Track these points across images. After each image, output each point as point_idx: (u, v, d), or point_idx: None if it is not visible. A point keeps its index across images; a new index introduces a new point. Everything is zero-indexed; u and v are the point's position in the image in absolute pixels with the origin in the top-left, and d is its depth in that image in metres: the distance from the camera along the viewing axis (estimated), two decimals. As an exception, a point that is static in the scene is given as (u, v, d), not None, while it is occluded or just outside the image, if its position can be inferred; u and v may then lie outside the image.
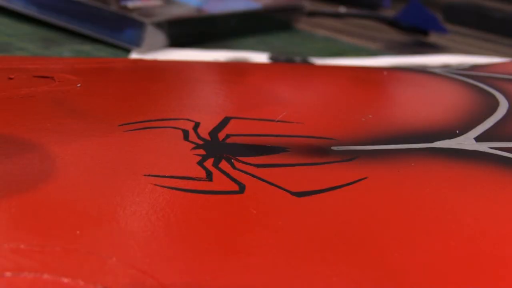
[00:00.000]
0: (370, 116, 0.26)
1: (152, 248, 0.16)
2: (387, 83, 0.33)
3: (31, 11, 0.39)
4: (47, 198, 0.18)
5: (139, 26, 0.37)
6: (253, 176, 0.20)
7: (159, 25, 0.38)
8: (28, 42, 0.37)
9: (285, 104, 0.27)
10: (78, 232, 0.16)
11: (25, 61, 0.29)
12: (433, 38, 0.50)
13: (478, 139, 0.24)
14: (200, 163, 0.21)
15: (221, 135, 0.23)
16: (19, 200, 0.17)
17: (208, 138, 0.22)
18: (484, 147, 0.24)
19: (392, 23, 0.50)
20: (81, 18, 0.38)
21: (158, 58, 0.36)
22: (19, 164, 0.19)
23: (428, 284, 0.16)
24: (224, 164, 0.21)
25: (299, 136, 0.23)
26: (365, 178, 0.21)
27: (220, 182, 0.20)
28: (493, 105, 0.28)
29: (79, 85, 0.26)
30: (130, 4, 0.39)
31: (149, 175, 0.19)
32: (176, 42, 0.39)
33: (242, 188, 0.19)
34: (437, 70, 0.34)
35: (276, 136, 0.23)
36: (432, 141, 0.24)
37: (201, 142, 0.22)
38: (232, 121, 0.24)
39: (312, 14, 0.51)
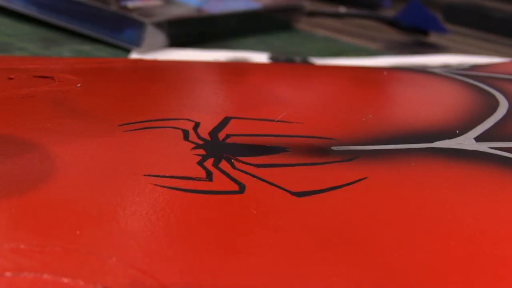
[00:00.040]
0: (370, 116, 0.26)
1: (152, 248, 0.16)
2: (387, 83, 0.33)
3: (31, 11, 0.39)
4: (47, 198, 0.18)
5: (139, 26, 0.37)
6: (253, 176, 0.20)
7: (159, 25, 0.38)
8: (28, 42, 0.37)
9: (285, 104, 0.27)
10: (78, 232, 0.16)
11: (25, 61, 0.29)
12: (433, 38, 0.50)
13: (478, 139, 0.24)
14: (200, 163, 0.21)
15: (221, 135, 0.23)
16: (19, 200, 0.17)
17: (208, 138, 0.22)
18: (484, 147, 0.24)
19: (392, 23, 0.50)
20: (81, 18, 0.38)
21: (158, 58, 0.36)
22: (19, 164, 0.19)
23: (428, 284, 0.16)
24: (224, 164, 0.21)
25: (299, 136, 0.23)
26: (365, 178, 0.21)
27: (220, 182, 0.20)
28: (493, 105, 0.28)
29: (79, 85, 0.26)
30: (130, 4, 0.39)
31: (149, 175, 0.19)
32: (176, 42, 0.39)
33: (242, 188, 0.19)
34: (437, 70, 0.34)
35: (276, 136, 0.23)
36: (432, 141, 0.24)
37: (201, 142, 0.22)
38: (232, 121, 0.24)
39: (312, 14, 0.51)
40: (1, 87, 0.25)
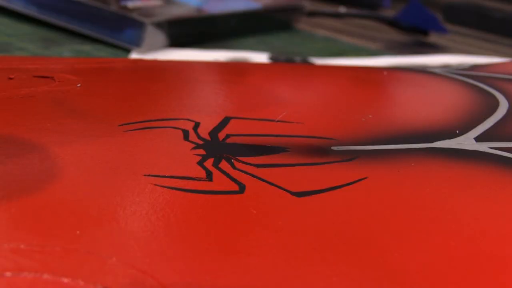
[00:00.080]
0: (370, 116, 0.26)
1: (152, 248, 0.16)
2: (387, 83, 0.33)
3: (31, 11, 0.39)
4: (47, 198, 0.18)
5: (139, 26, 0.37)
6: (253, 176, 0.20)
7: (159, 25, 0.38)
8: (28, 42, 0.37)
9: (285, 104, 0.27)
10: (78, 232, 0.16)
11: (25, 61, 0.29)
12: (433, 38, 0.50)
13: (478, 139, 0.24)
14: (200, 163, 0.21)
15: (221, 135, 0.23)
16: (19, 200, 0.17)
17: (208, 138, 0.22)
18: (484, 147, 0.24)
19: (392, 23, 0.50)
20: (81, 18, 0.38)
21: (158, 58, 0.36)
22: (19, 164, 0.19)
23: (428, 284, 0.16)
24: (224, 164, 0.21)
25: (299, 136, 0.23)
26: (365, 178, 0.21)
27: (220, 182, 0.20)
28: (493, 105, 0.28)
29: (79, 85, 0.26)
30: (130, 4, 0.39)
31: (149, 175, 0.19)
32: (176, 42, 0.39)
33: (242, 188, 0.19)
34: (437, 70, 0.34)
35: (276, 136, 0.23)
36: (432, 141, 0.24)
37: (201, 142, 0.22)
38: (232, 121, 0.24)
39: (312, 14, 0.51)
40: (1, 87, 0.25)
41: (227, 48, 0.41)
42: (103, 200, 0.18)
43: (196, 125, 0.23)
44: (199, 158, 0.21)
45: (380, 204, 0.19)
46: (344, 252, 0.17)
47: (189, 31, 0.41)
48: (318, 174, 0.21)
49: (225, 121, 0.24)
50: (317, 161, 0.22)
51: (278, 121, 0.25)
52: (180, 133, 0.23)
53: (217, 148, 0.22)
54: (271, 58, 0.39)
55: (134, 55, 0.37)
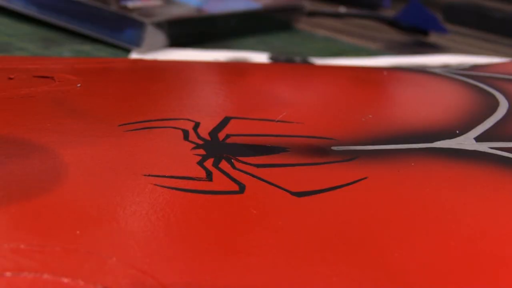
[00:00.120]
0: (370, 116, 0.26)
1: (152, 248, 0.16)
2: (387, 83, 0.33)
3: (31, 11, 0.39)
4: (47, 198, 0.18)
5: (139, 26, 0.37)
6: (253, 176, 0.20)
7: (159, 25, 0.38)
8: (28, 42, 0.37)
9: (285, 104, 0.27)
10: (78, 232, 0.16)
11: (25, 61, 0.29)
12: (433, 38, 0.50)
13: (478, 139, 0.24)
14: (200, 163, 0.21)
15: (221, 135, 0.23)
16: (19, 200, 0.17)
17: (208, 138, 0.22)
18: (484, 147, 0.24)
19: (392, 23, 0.50)
20: (81, 18, 0.38)
21: (158, 58, 0.36)
22: (19, 164, 0.19)
23: (428, 284, 0.16)
24: (224, 164, 0.21)
25: (299, 136, 0.23)
26: (365, 178, 0.21)
27: (220, 182, 0.20)
28: (493, 105, 0.28)
29: (79, 85, 0.26)
30: (130, 4, 0.39)
31: (149, 175, 0.19)
32: (176, 42, 0.39)
33: (242, 188, 0.19)
34: (437, 70, 0.34)
35: (276, 136, 0.23)
36: (432, 141, 0.24)
37: (201, 142, 0.22)
38: (232, 121, 0.24)
39: (312, 14, 0.51)
40: (1, 87, 0.25)
41: (227, 48, 0.41)
42: (103, 200, 0.18)
43: (196, 125, 0.23)
44: (199, 158, 0.21)
45: (380, 204, 0.19)
46: (344, 252, 0.17)
47: (189, 31, 0.41)
48: (318, 174, 0.21)
49: (225, 121, 0.24)
50: (317, 161, 0.22)
51: (278, 121, 0.25)
52: (180, 133, 0.23)
53: (217, 148, 0.22)
54: (271, 58, 0.39)
55: (134, 55, 0.37)
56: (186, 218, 0.17)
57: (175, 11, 0.41)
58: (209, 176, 0.20)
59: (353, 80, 0.32)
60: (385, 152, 0.23)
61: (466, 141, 0.24)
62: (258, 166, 0.21)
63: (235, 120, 0.24)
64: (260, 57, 0.39)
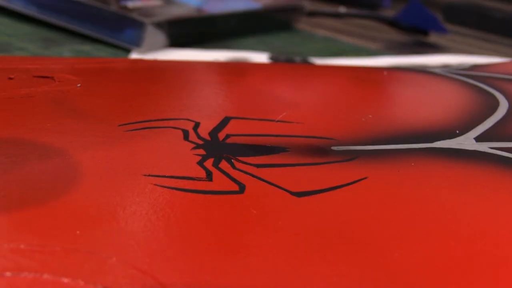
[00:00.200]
0: (370, 116, 0.26)
1: (152, 248, 0.16)
2: (387, 83, 0.33)
3: (31, 11, 0.39)
4: (47, 198, 0.18)
5: (139, 26, 0.37)
6: (253, 176, 0.20)
7: (159, 25, 0.38)
8: (28, 42, 0.37)
9: (285, 104, 0.27)
10: (78, 232, 0.16)
11: (25, 61, 0.29)
12: (433, 38, 0.50)
13: (478, 139, 0.24)
14: (200, 163, 0.21)
15: (221, 135, 0.23)
16: (18, 199, 0.17)
17: (208, 138, 0.22)
18: (484, 147, 0.24)
19: (392, 23, 0.50)
20: (81, 18, 0.38)
21: (158, 58, 0.36)
22: (19, 164, 0.19)
23: (428, 284, 0.16)
24: (224, 164, 0.21)
25: (299, 136, 0.23)
26: (365, 178, 0.21)
27: (220, 182, 0.20)
28: (493, 105, 0.28)
29: (79, 85, 0.26)
30: (130, 4, 0.39)
31: (149, 175, 0.19)
32: (176, 42, 0.39)
33: (242, 188, 0.19)
34: (437, 70, 0.34)
35: (276, 136, 0.23)
36: (432, 141, 0.24)
37: (201, 142, 0.22)
38: (232, 121, 0.24)
39: (312, 14, 0.51)
40: (1, 87, 0.25)
41: (227, 48, 0.41)
42: (103, 200, 0.18)
43: (196, 125, 0.23)
44: (199, 158, 0.21)
45: (380, 204, 0.19)
46: (344, 252, 0.17)
47: (189, 31, 0.41)
48: (318, 174, 0.21)
49: (225, 121, 0.24)
50: (317, 161, 0.22)
51: (278, 121, 0.25)
52: (180, 133, 0.23)
53: (217, 148, 0.22)
54: (271, 58, 0.39)
55: (134, 55, 0.37)
56: (186, 218, 0.17)
57: (175, 11, 0.41)
58: (209, 176, 0.20)
59: (353, 80, 0.32)
60: (385, 152, 0.23)
61: (466, 141, 0.24)
62: (258, 166, 0.21)
63: (235, 120, 0.24)
64: (260, 57, 0.39)
